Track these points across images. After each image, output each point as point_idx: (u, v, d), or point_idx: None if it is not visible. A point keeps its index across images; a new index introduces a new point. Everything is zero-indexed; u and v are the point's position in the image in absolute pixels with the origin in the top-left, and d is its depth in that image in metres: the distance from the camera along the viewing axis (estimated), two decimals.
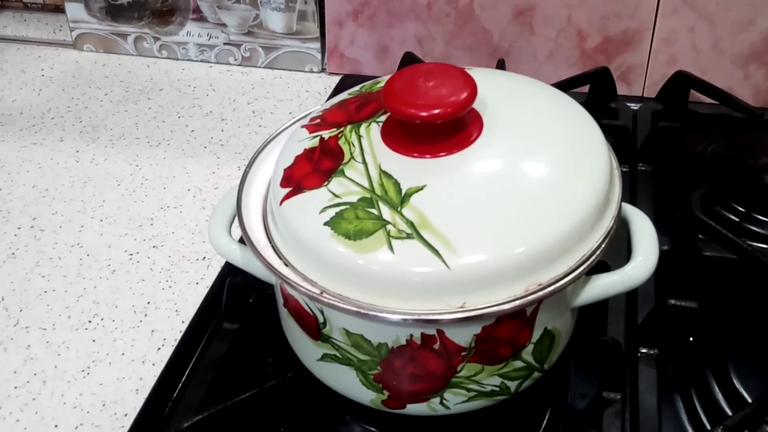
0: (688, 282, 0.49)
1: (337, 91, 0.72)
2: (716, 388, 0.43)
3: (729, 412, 0.42)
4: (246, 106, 0.73)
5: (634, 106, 0.67)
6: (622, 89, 0.68)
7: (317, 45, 0.76)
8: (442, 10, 0.70)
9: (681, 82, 0.64)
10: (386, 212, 0.36)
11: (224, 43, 0.78)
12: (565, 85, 0.63)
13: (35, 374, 0.49)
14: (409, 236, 0.35)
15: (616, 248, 0.41)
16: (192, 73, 0.78)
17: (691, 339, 0.47)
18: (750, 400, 0.42)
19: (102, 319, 0.53)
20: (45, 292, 0.55)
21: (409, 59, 0.68)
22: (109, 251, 0.58)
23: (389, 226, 0.35)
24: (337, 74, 0.76)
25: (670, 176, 0.59)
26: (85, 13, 0.79)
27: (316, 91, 0.75)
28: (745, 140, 0.58)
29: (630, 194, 0.58)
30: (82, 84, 0.77)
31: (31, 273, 0.56)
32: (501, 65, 0.66)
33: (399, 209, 0.36)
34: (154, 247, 0.58)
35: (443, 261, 0.34)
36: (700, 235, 0.50)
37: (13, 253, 0.58)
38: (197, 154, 0.67)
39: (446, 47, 0.72)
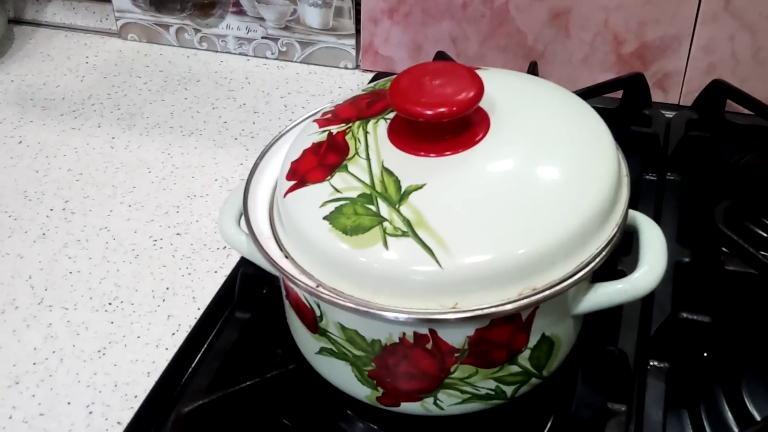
0: (706, 295, 0.48)
1: None
2: (725, 406, 0.42)
3: (736, 431, 0.41)
4: (279, 99, 0.74)
5: (668, 114, 0.65)
6: (658, 96, 0.67)
7: (352, 42, 0.76)
8: (478, 10, 0.70)
9: (717, 92, 0.62)
10: (384, 209, 0.36)
11: (262, 37, 0.79)
12: (597, 90, 0.62)
13: (54, 352, 0.51)
14: (404, 234, 0.35)
15: (633, 257, 0.40)
16: (229, 65, 0.79)
17: (705, 354, 0.45)
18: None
19: (122, 302, 0.54)
20: (70, 272, 0.56)
21: (441, 58, 0.67)
22: (135, 236, 0.59)
23: (386, 224, 0.35)
24: (370, 71, 0.76)
25: (699, 187, 0.57)
26: (131, 3, 0.81)
27: (348, 87, 0.75)
28: None
29: (656, 203, 0.56)
30: (123, 72, 0.79)
31: (59, 254, 0.58)
32: (533, 68, 0.65)
33: (397, 207, 0.35)
34: (177, 234, 0.59)
35: (436, 260, 0.34)
36: (723, 249, 0.49)
37: (44, 234, 0.60)
38: (227, 145, 0.68)
39: (480, 47, 0.71)
